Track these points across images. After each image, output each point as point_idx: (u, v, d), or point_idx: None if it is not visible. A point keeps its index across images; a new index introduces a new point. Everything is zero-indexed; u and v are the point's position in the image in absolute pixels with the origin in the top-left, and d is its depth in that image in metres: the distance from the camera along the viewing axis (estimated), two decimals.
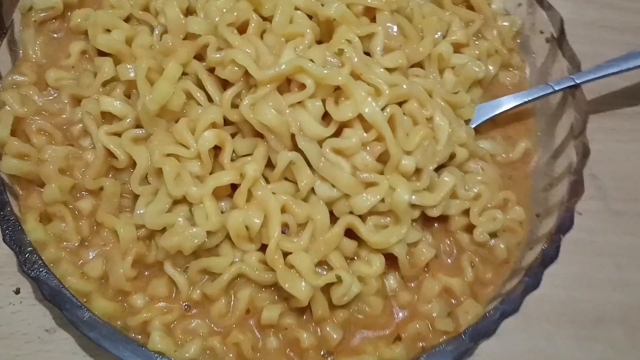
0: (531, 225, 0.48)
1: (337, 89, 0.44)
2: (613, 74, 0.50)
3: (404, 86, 0.45)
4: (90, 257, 0.44)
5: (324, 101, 0.43)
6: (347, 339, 0.44)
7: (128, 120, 0.45)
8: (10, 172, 0.44)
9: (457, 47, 0.51)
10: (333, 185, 0.43)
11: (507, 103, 0.51)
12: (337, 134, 0.43)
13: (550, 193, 0.49)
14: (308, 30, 0.45)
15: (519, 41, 0.55)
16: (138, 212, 0.43)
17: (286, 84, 0.44)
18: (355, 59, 0.44)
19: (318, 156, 0.43)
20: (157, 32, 0.48)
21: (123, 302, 0.43)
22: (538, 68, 0.54)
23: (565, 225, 0.45)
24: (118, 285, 0.42)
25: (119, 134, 0.45)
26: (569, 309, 0.49)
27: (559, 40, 0.52)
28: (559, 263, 0.44)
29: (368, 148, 0.43)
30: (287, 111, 0.42)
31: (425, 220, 0.46)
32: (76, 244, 0.44)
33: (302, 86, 0.43)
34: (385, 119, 0.43)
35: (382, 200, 0.43)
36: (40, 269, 0.41)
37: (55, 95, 0.48)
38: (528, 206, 0.49)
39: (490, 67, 0.52)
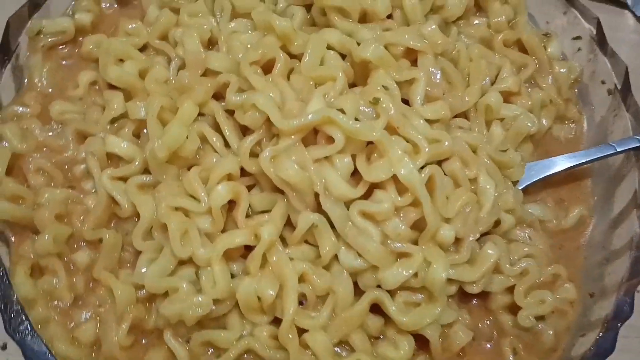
0: (583, 307, 0.42)
1: (370, 143, 0.38)
2: None
3: (446, 143, 0.39)
4: (83, 319, 0.39)
5: (353, 157, 0.38)
6: None
7: (136, 164, 0.41)
8: (3, 217, 0.39)
9: (507, 96, 0.45)
10: (359, 255, 0.38)
11: (562, 163, 0.45)
12: (366, 195, 0.38)
13: (606, 269, 0.43)
14: (340, 74, 0.40)
15: (576, 91, 0.49)
16: (139, 270, 0.38)
17: (312, 134, 0.39)
18: (392, 111, 0.39)
19: (344, 220, 0.38)
20: (173, 64, 0.44)
21: None
22: (597, 122, 0.48)
23: (623, 311, 0.39)
24: (111, 354, 0.38)
25: (124, 179, 0.41)
26: None
27: (623, 93, 0.46)
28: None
29: (401, 214, 0.38)
30: (312, 167, 0.37)
31: (463, 296, 0.41)
32: (68, 303, 0.39)
33: (330, 139, 0.38)
34: (423, 182, 0.37)
35: (415, 275, 0.38)
36: (26, 332, 0.36)
37: (59, 129, 0.43)
38: (580, 283, 0.43)
39: (544, 121, 0.46)
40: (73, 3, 0.47)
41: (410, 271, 0.37)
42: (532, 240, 0.43)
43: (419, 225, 0.38)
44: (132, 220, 0.41)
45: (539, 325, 0.40)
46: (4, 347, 0.41)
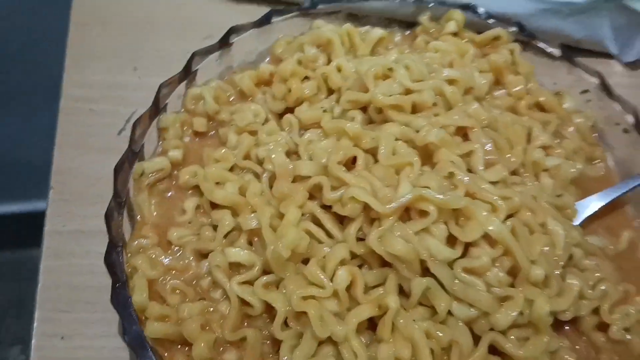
0: None
1: (456, 210, 0.46)
2: None
3: (516, 198, 0.47)
4: None
5: (445, 224, 0.45)
6: None
7: (256, 268, 0.47)
8: (156, 336, 0.45)
9: (543, 150, 0.54)
10: (470, 305, 0.44)
11: (603, 199, 0.52)
12: (463, 254, 0.45)
13: None
14: (416, 159, 0.47)
15: (596, 135, 0.57)
16: (283, 358, 0.44)
17: (405, 213, 0.46)
18: (466, 179, 0.46)
19: (451, 278, 0.44)
20: (264, 178, 0.51)
21: None
22: (620, 158, 0.56)
23: None
24: None
25: (249, 282, 0.47)
26: None
27: (637, 129, 0.54)
28: None
29: (497, 264, 0.45)
30: (415, 239, 0.44)
31: (556, 324, 0.47)
32: None
33: (422, 213, 0.45)
34: (509, 234, 0.44)
35: (521, 313, 0.44)
36: None
37: (179, 252, 0.49)
38: None
39: (578, 165, 0.54)
40: (161, 143, 0.54)
41: (517, 310, 0.44)
42: (599, 267, 0.50)
43: (511, 272, 0.45)
44: (262, 317, 0.46)
45: (628, 337, 0.47)
46: None
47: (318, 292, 0.44)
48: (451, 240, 0.45)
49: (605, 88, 0.56)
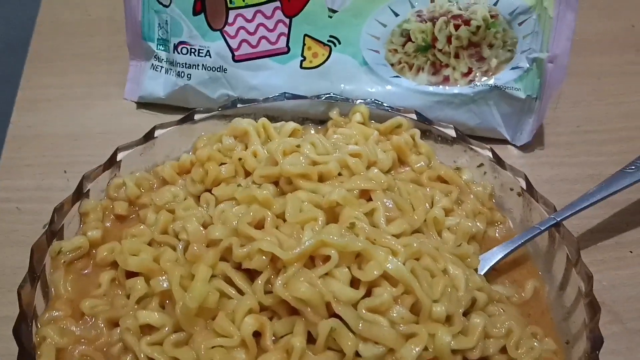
0: (565, 354, 0.50)
1: (358, 256, 0.48)
2: (588, 206, 0.57)
3: (415, 244, 0.49)
4: None
5: (348, 268, 0.47)
6: None
7: (167, 329, 0.47)
8: None
9: (445, 214, 0.57)
10: (376, 343, 0.45)
11: (503, 250, 0.56)
12: (367, 296, 0.47)
13: (570, 321, 0.51)
14: (320, 212, 0.50)
15: (494, 202, 0.62)
16: None
17: (310, 263, 0.48)
18: (367, 228, 0.49)
19: (356, 319, 0.45)
20: (180, 248, 0.53)
21: None
22: (519, 220, 0.60)
23: (597, 342, 0.47)
24: None
25: (159, 343, 0.47)
26: None
27: (529, 191, 0.59)
28: None
29: (399, 301, 0.46)
30: (319, 282, 0.46)
31: None
32: None
33: (326, 259, 0.47)
34: (409, 272, 0.46)
35: (426, 349, 0.45)
36: None
37: (91, 322, 0.49)
38: (556, 337, 0.51)
39: (479, 224, 0.58)
40: (82, 225, 0.56)
41: (421, 345, 0.44)
42: (505, 312, 0.51)
43: (414, 311, 0.47)
44: None
45: None
46: None
47: (225, 342, 0.45)
48: (355, 285, 0.47)
49: (498, 160, 0.62)
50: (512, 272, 0.57)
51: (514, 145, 0.72)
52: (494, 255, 0.55)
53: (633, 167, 0.59)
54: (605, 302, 0.57)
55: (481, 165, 0.63)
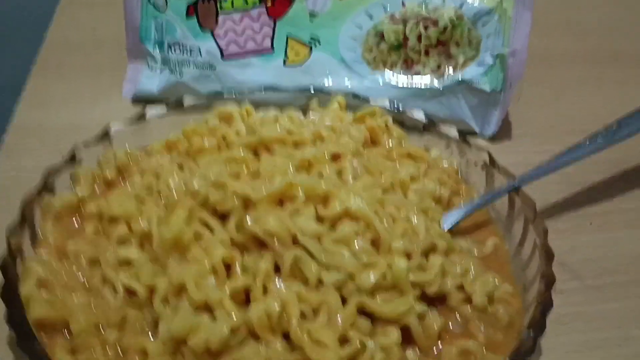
0: (522, 297, 0.52)
1: (324, 200, 0.52)
2: (546, 173, 0.61)
3: (379, 192, 0.53)
4: None
5: (315, 209, 0.51)
6: None
7: (143, 263, 0.50)
8: (38, 315, 0.46)
9: (412, 181, 0.61)
10: (338, 271, 0.48)
11: (464, 210, 0.59)
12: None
13: (528, 270, 0.54)
14: (291, 167, 0.55)
15: (460, 176, 0.66)
16: (163, 327, 0.45)
17: (280, 205, 0.52)
18: (334, 178, 0.54)
19: (320, 250, 0.48)
20: (162, 202, 0.57)
21: None
22: (482, 192, 0.64)
23: (550, 281, 0.50)
24: None
25: (136, 275, 0.50)
26: None
27: (491, 162, 0.63)
28: (562, 334, 0.52)
29: (360, 235, 0.50)
30: (287, 218, 0.49)
31: (427, 301, 0.50)
32: None
33: (295, 200, 0.51)
34: (369, 209, 0.50)
35: (384, 277, 0.48)
36: None
37: (74, 261, 0.53)
38: (514, 283, 0.54)
39: (444, 191, 0.61)
40: (73, 185, 0.60)
41: (380, 272, 0.47)
42: (464, 260, 0.54)
43: (375, 247, 0.50)
44: (148, 307, 0.49)
45: (493, 307, 0.50)
46: None
47: (197, 268, 0.48)
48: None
49: (463, 139, 0.66)
50: (473, 233, 0.60)
51: (482, 137, 0.77)
52: (456, 214, 0.59)
53: (588, 142, 0.63)
54: (565, 263, 0.60)
55: (449, 146, 0.68)
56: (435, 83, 0.75)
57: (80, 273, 0.52)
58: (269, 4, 0.76)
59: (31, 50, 0.89)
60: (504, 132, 0.77)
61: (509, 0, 0.72)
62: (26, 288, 0.48)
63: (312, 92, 0.72)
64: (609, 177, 0.72)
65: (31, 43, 0.92)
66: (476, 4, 0.73)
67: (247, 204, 0.51)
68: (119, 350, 0.46)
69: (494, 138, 0.76)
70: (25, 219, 0.54)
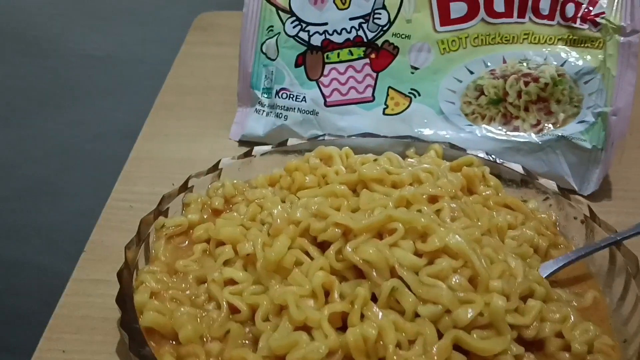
0: (622, 351, 0.51)
1: (423, 235, 0.53)
2: None
3: (477, 232, 0.54)
4: None
5: (413, 243, 0.52)
6: None
7: (247, 283, 0.53)
8: (149, 324, 0.49)
9: (509, 229, 0.62)
10: (434, 303, 0.48)
11: (563, 260, 0.58)
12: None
13: (629, 325, 0.53)
14: (390, 203, 0.57)
15: (558, 229, 0.65)
16: (262, 345, 0.47)
17: (378, 237, 0.53)
18: (432, 215, 0.55)
19: (417, 283, 0.49)
20: (264, 228, 0.60)
21: None
22: (582, 244, 0.63)
23: None
24: None
25: (239, 294, 0.52)
26: None
27: (592, 217, 0.62)
28: None
29: (458, 271, 0.50)
30: (385, 249, 0.51)
31: (523, 345, 0.49)
32: None
33: (392, 232, 0.52)
34: (468, 246, 0.51)
35: (481, 314, 0.48)
36: None
37: (182, 277, 0.56)
38: (613, 337, 0.52)
39: (542, 242, 0.61)
40: (184, 210, 0.65)
41: (477, 308, 0.48)
42: (562, 309, 0.53)
43: (473, 284, 0.50)
44: (248, 324, 0.51)
45: (592, 357, 0.49)
46: None
47: (297, 290, 0.50)
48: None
49: (563, 192, 0.66)
50: (572, 285, 0.59)
51: (581, 195, 0.76)
52: (554, 263, 0.58)
53: None
54: None
55: (547, 198, 0.67)
56: (535, 137, 0.75)
57: (188, 290, 0.55)
58: (373, 57, 0.80)
59: (152, 94, 0.97)
60: (603, 192, 0.76)
61: (612, 59, 0.73)
62: (140, 297, 0.52)
63: (410, 139, 0.75)
64: None
65: (152, 89, 1.01)
66: (580, 63, 0.74)
67: (347, 235, 0.53)
68: None
69: (593, 197, 0.75)
70: (141, 237, 0.59)
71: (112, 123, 1.23)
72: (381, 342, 0.46)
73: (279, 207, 0.60)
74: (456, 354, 0.47)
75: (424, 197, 0.60)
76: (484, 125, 0.77)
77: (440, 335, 0.47)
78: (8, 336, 1.19)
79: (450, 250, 0.51)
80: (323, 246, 0.55)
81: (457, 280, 0.50)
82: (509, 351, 0.47)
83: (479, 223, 0.59)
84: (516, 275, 0.52)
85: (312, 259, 0.54)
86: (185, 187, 0.66)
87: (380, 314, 0.48)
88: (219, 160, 0.70)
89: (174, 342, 0.50)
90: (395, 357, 0.45)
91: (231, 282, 0.54)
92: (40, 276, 1.24)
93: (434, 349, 0.46)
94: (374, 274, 0.50)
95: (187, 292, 0.55)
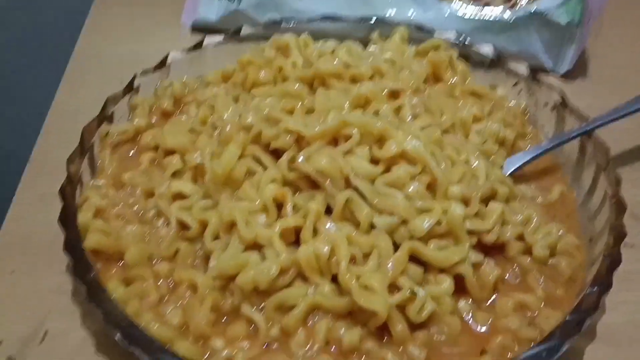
0: (588, 250, 0.50)
1: (379, 140, 0.49)
2: (622, 116, 0.56)
3: (438, 132, 0.51)
4: (170, 310, 0.45)
5: (369, 149, 0.49)
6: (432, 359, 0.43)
7: (196, 197, 0.50)
8: (93, 245, 0.47)
9: (474, 122, 0.58)
10: (390, 214, 0.46)
11: (530, 153, 0.56)
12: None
13: (596, 221, 0.51)
14: (347, 102, 0.53)
15: (527, 118, 0.62)
16: (211, 265, 0.46)
17: (333, 144, 0.50)
18: (390, 117, 0.51)
19: (373, 192, 0.47)
20: (216, 134, 0.56)
21: (204, 346, 0.43)
22: (550, 135, 0.60)
23: (620, 235, 0.47)
24: (198, 329, 0.43)
25: (189, 208, 0.50)
26: None
27: (563, 104, 0.59)
28: (629, 292, 0.49)
29: (416, 178, 0.48)
30: (340, 159, 0.48)
31: (484, 250, 0.48)
32: (156, 300, 0.45)
33: (348, 139, 0.49)
34: (427, 152, 0.48)
35: (439, 223, 0.46)
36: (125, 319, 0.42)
37: (129, 191, 0.53)
38: (580, 236, 0.51)
39: (508, 132, 0.58)
40: (130, 117, 0.60)
41: (435, 218, 0.46)
42: (527, 208, 0.52)
43: (431, 191, 0.48)
44: (199, 240, 0.49)
45: (554, 259, 0.48)
46: None
47: (247, 204, 0.47)
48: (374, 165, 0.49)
49: (534, 76, 0.62)
50: (538, 179, 0.57)
51: (555, 74, 0.72)
52: (520, 158, 0.56)
53: None
54: (637, 216, 0.56)
55: (517, 83, 0.63)
56: (506, 15, 0.69)
57: (136, 205, 0.52)
58: None
59: None
60: (579, 70, 0.72)
61: None
62: (83, 216, 0.49)
63: (373, 22, 0.69)
64: None
65: None
66: None
67: (301, 142, 0.50)
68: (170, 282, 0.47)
69: (567, 76, 0.71)
70: (85, 148, 0.55)
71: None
72: (335, 258, 0.44)
73: (230, 109, 0.56)
74: (412, 266, 0.45)
75: (384, 93, 0.56)
76: (453, 3, 0.71)
77: (396, 248, 0.46)
78: None
79: (408, 155, 0.48)
80: (277, 153, 0.51)
81: (415, 188, 0.47)
82: (467, 260, 0.45)
83: (443, 118, 0.55)
84: (478, 176, 0.50)
85: (265, 168, 0.51)
86: (130, 88, 0.61)
87: (334, 228, 0.46)
88: (167, 55, 0.64)
89: (122, 262, 0.48)
90: (347, 274, 0.43)
91: (180, 196, 0.51)
92: None
93: (389, 263, 0.44)
94: (329, 184, 0.47)
95: (135, 207, 0.52)
